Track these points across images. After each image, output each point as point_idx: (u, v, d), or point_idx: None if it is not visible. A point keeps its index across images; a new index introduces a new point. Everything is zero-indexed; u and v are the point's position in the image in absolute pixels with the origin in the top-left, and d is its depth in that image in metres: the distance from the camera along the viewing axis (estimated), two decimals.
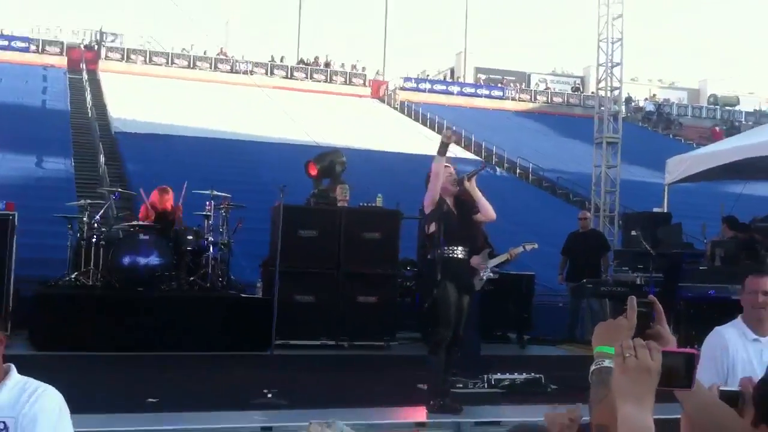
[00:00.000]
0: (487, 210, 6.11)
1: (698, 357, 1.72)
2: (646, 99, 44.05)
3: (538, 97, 42.24)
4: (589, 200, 16.60)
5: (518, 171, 27.56)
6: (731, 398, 2.07)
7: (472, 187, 6.10)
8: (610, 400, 1.79)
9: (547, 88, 43.57)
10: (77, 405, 5.40)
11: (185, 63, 36.79)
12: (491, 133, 30.34)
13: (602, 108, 15.97)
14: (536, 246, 7.88)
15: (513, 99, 41.15)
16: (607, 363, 1.82)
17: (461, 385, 7.35)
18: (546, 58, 45.11)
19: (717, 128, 39.92)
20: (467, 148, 29.89)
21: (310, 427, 2.30)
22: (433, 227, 6.05)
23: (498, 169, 26.92)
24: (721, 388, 2.12)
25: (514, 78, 44.67)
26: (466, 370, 7.49)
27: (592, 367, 1.86)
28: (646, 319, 1.84)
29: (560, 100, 42.44)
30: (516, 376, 7.23)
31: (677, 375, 1.71)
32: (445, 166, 6.09)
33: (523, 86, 43.42)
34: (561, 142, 31.54)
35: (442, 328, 5.99)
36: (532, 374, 7.35)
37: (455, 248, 6.02)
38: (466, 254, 6.15)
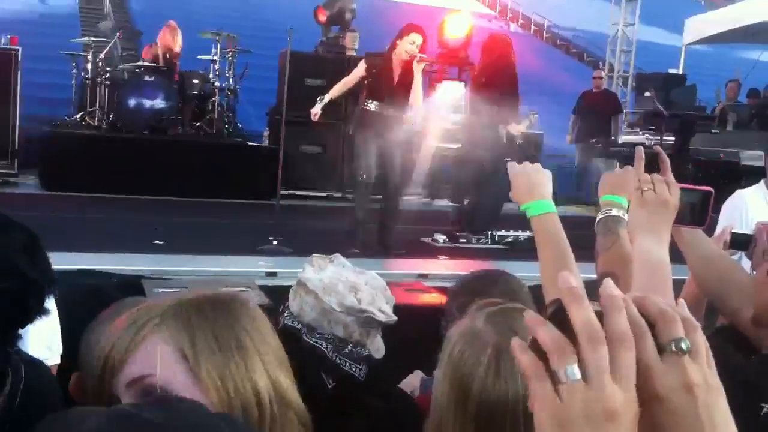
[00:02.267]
0: (416, 97, 6.63)
1: (714, 195, 1.73)
2: None
3: None
4: (604, 60, 16.24)
5: (533, 27, 26.86)
6: (743, 242, 2.06)
7: (418, 69, 6.55)
8: (617, 247, 1.78)
9: None
10: (85, 244, 5.48)
11: None
12: None
13: None
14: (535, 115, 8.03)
15: None
16: (614, 212, 1.82)
17: (464, 240, 7.43)
18: None
19: None
20: (481, 1, 29.01)
21: (312, 260, 2.30)
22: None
23: (512, 24, 26.23)
24: (734, 230, 2.11)
25: None
26: (472, 225, 7.56)
27: (599, 216, 1.85)
28: (651, 169, 1.78)
29: None
30: (520, 233, 7.26)
31: (692, 211, 1.72)
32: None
33: None
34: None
35: (362, 169, 6.65)
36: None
37: (377, 103, 6.60)
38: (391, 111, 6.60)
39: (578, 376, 0.69)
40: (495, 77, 7.51)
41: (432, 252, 7.01)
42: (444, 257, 6.76)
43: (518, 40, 21.38)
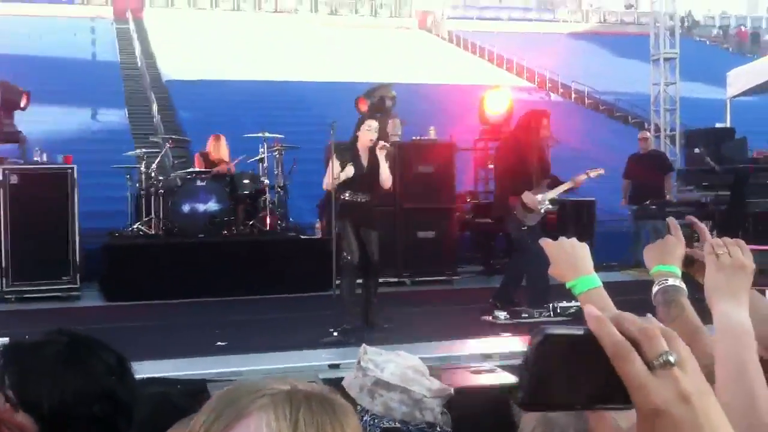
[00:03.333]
0: (384, 180, 7.16)
1: None
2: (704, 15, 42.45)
3: (590, 17, 41.10)
4: (649, 121, 16.17)
5: (573, 95, 26.98)
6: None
7: (380, 154, 7.08)
8: (684, 318, 1.74)
9: (599, 7, 42.33)
10: (150, 351, 5.52)
11: (229, 5, 36.66)
12: (543, 57, 29.66)
13: (658, 24, 15.40)
14: (602, 172, 7.81)
15: (565, 21, 40.12)
16: (671, 281, 1.79)
17: (527, 315, 7.31)
18: None
19: None
20: (519, 74, 29.33)
21: (363, 355, 2.30)
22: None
23: (552, 94, 26.39)
24: None
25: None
26: (531, 299, 7.45)
27: (655, 288, 1.82)
28: (691, 238, 1.85)
29: (614, 19, 41.23)
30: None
31: (762, 273, 1.71)
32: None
33: (574, 7, 42.25)
34: (616, 63, 30.73)
35: (346, 253, 7.16)
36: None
37: (351, 193, 7.16)
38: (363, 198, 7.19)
39: (673, 359, 0.76)
40: (501, 153, 7.76)
41: (494, 330, 6.91)
42: (507, 335, 6.65)
43: (561, 108, 21.51)
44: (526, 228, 7.40)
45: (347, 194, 7.23)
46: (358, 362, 2.39)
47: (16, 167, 9.34)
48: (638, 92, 20.96)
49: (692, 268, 1.89)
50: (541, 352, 0.78)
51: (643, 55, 16.94)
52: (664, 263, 1.82)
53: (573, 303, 7.12)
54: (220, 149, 10.73)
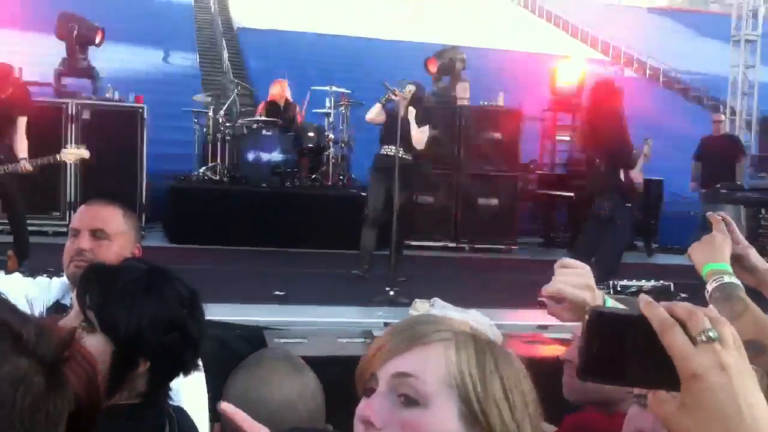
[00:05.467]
0: (414, 138, 7.30)
1: None
2: None
3: None
4: (725, 103, 15.71)
5: (648, 72, 26.32)
6: None
7: (409, 112, 7.27)
8: (749, 313, 1.70)
9: None
10: (209, 294, 5.60)
11: None
12: (620, 30, 28.97)
13: (741, 4, 14.87)
14: (651, 140, 8.23)
15: None
16: (726, 279, 1.76)
17: None
18: None
19: None
20: (593, 46, 28.71)
21: (416, 305, 2.30)
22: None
23: (627, 69, 25.80)
24: None
25: None
26: (598, 275, 7.35)
27: (711, 286, 1.78)
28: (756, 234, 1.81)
29: None
30: (643, 282, 7.00)
31: None
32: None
33: None
34: (695, 42, 29.87)
35: (368, 206, 7.53)
36: (661, 282, 7.12)
37: (386, 147, 7.38)
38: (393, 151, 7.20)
39: (714, 335, 0.83)
40: (602, 124, 7.39)
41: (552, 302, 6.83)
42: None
43: (634, 85, 21.05)
44: (630, 205, 7.38)
45: (383, 148, 7.43)
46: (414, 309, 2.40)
47: (88, 102, 9.51)
48: (716, 73, 20.38)
49: (736, 267, 1.84)
50: (595, 330, 0.86)
51: (724, 36, 16.42)
52: (714, 261, 1.78)
53: (633, 282, 7.00)
54: (283, 91, 10.71)
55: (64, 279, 2.50)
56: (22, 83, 7.56)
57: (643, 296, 0.87)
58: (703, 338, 0.83)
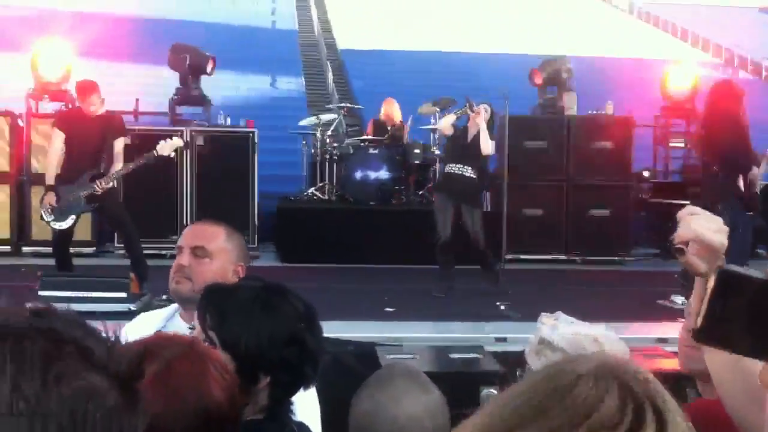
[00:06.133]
0: (483, 145, 7.15)
1: None
2: None
3: None
4: None
5: (764, 73, 25.26)
6: None
7: (480, 120, 7.17)
8: None
9: None
10: (320, 312, 5.68)
11: None
12: (733, 32, 27.95)
13: None
14: None
15: None
16: None
17: None
18: None
19: None
20: (705, 49, 27.78)
21: (543, 319, 2.26)
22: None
23: (741, 72, 24.84)
24: None
25: None
26: None
27: None
28: None
29: None
30: None
31: None
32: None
33: None
34: None
35: (438, 230, 7.29)
36: None
37: (453, 165, 7.29)
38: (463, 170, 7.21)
39: None
40: (719, 129, 7.06)
41: (670, 315, 6.61)
42: (683, 320, 6.35)
43: (750, 87, 20.24)
44: (752, 214, 7.07)
45: (449, 166, 7.31)
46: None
47: (201, 129, 9.83)
48: None
49: None
50: (722, 290, 0.83)
51: None
52: None
53: None
54: (393, 112, 10.83)
55: (171, 308, 2.57)
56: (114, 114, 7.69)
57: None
58: None
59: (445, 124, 7.58)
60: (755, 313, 0.80)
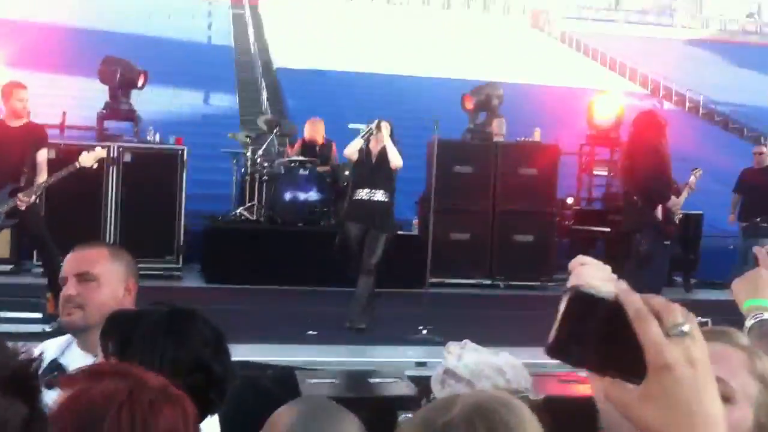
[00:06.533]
0: (393, 158, 7.00)
1: None
2: None
3: (710, 24, 39.67)
4: (766, 135, 15.51)
5: (687, 104, 26.13)
6: None
7: (384, 136, 7.03)
8: None
9: (721, 14, 40.78)
10: (243, 334, 5.66)
11: None
12: (658, 63, 28.84)
13: None
14: (700, 171, 8.32)
15: (683, 27, 38.84)
16: (766, 315, 1.74)
17: None
18: None
19: None
20: (632, 79, 28.58)
21: (449, 347, 2.32)
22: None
23: (666, 102, 25.62)
24: None
25: (682, 4, 42.03)
26: None
27: (750, 323, 1.76)
28: None
29: (735, 27, 39.66)
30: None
31: None
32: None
33: (693, 12, 40.84)
34: (735, 73, 29.58)
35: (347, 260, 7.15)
36: (699, 318, 6.99)
37: (361, 191, 7.08)
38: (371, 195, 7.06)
39: (687, 330, 0.87)
40: (640, 158, 7.27)
41: None
42: None
43: (673, 117, 20.89)
44: (669, 243, 7.24)
45: (357, 192, 7.12)
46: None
47: (130, 145, 9.70)
48: (757, 105, 20.17)
49: None
50: (571, 308, 0.88)
51: (764, 67, 16.26)
52: (756, 297, 1.77)
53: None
54: (317, 132, 10.80)
55: (65, 337, 2.53)
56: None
57: (620, 283, 0.91)
58: (676, 332, 0.86)
59: (352, 150, 7.34)
60: (603, 332, 0.87)
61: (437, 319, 7.06)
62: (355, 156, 7.27)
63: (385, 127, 7.12)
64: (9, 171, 6.65)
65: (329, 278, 9.08)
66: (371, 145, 7.12)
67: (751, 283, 1.80)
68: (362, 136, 7.29)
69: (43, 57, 18.18)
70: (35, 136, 6.83)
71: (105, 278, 2.41)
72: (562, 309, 0.88)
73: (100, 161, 7.15)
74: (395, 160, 7.02)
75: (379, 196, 6.99)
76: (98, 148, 6.94)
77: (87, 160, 6.71)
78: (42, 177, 6.69)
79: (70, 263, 2.47)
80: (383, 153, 7.04)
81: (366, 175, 7.06)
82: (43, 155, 6.78)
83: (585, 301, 0.88)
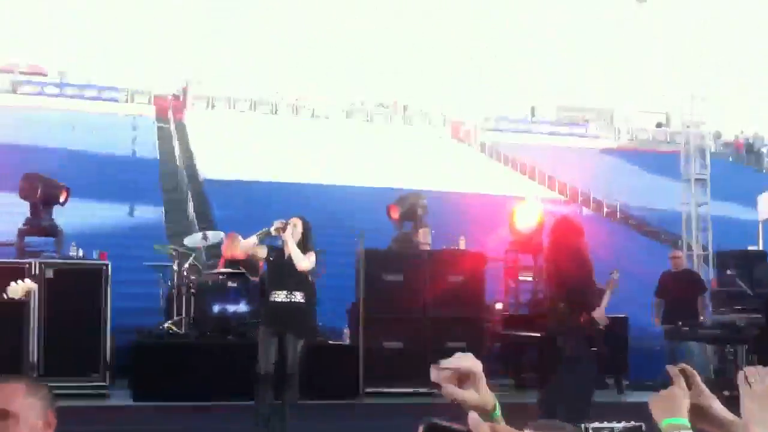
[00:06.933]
0: (298, 261, 6.77)
1: None
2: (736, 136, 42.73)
3: (621, 135, 41.60)
4: (681, 238, 16.12)
5: (605, 210, 27.06)
6: None
7: (287, 238, 6.81)
8: None
9: (631, 125, 42.85)
10: None
11: (267, 109, 37.62)
12: (575, 171, 29.95)
13: (688, 144, 15.50)
14: (617, 271, 8.28)
15: (596, 137, 40.62)
16: None
17: None
18: (629, 92, 44.31)
19: None
20: (551, 187, 29.55)
21: None
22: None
23: (584, 208, 26.49)
24: None
25: (595, 115, 44.09)
26: (569, 417, 7.28)
27: None
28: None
29: (646, 136, 41.68)
30: (614, 424, 6.92)
31: None
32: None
33: (605, 123, 42.82)
34: (648, 179, 30.90)
35: (259, 364, 6.79)
36: (632, 423, 7.05)
37: (276, 293, 6.82)
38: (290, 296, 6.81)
39: None
40: (562, 264, 7.44)
41: None
42: None
43: (592, 223, 21.57)
44: (595, 348, 7.31)
45: (273, 294, 6.80)
46: None
47: (51, 261, 9.49)
48: (670, 209, 20.98)
49: (699, 418, 1.88)
50: None
51: (675, 173, 17.05)
52: (673, 416, 1.82)
53: (605, 424, 6.95)
54: (235, 248, 10.75)
55: None
56: None
57: (472, 414, 0.96)
58: None
59: (244, 246, 7.15)
60: None
61: (374, 430, 6.96)
62: (261, 253, 7.01)
63: (292, 225, 6.86)
64: None
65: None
66: (284, 245, 6.86)
67: (665, 402, 1.84)
68: (257, 235, 6.96)
69: None
70: None
71: (23, 415, 2.35)
72: None
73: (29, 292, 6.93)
74: (299, 261, 6.72)
75: (298, 297, 6.73)
76: (27, 280, 6.73)
77: (15, 291, 6.53)
78: None
79: None
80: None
81: (280, 276, 6.79)
82: None
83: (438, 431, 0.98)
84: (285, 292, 6.74)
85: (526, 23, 45.44)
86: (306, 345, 7.08)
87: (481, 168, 32.33)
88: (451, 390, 1.51)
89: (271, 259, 6.91)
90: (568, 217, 8.13)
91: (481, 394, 1.52)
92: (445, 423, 0.95)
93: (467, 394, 1.51)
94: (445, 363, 1.59)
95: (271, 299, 6.79)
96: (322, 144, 30.98)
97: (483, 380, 1.52)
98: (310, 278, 7.11)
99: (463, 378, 1.54)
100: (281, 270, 6.76)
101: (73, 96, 35.20)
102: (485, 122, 39.95)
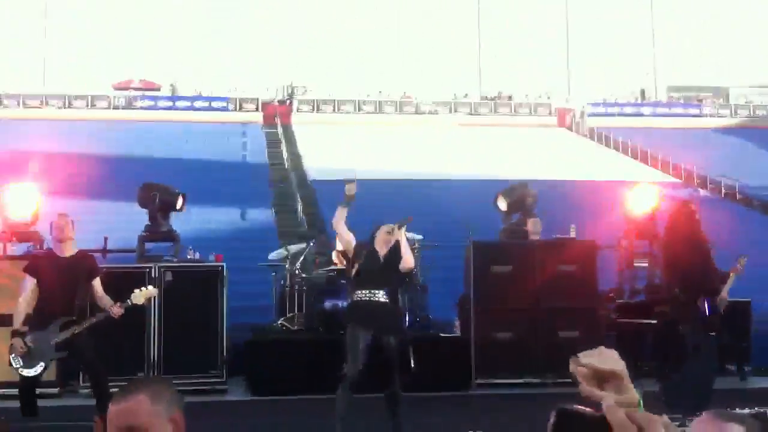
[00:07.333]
0: (405, 260, 6.58)
1: None
2: None
3: (738, 112, 39.86)
4: None
5: (723, 191, 25.99)
6: None
7: (401, 235, 6.65)
8: None
9: (749, 102, 41.01)
10: None
11: (372, 108, 37.96)
12: (690, 152, 28.90)
13: None
14: (746, 258, 8.32)
15: (711, 116, 39.08)
16: None
17: (678, 424, 6.91)
18: (746, 69, 42.40)
19: None
20: (665, 170, 28.62)
21: None
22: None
23: (701, 190, 25.53)
24: None
25: (711, 94, 42.40)
26: (690, 404, 7.07)
27: None
28: None
29: (764, 112, 39.81)
30: (738, 411, 6.67)
31: None
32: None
33: (721, 102, 41.12)
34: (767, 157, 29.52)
35: (348, 364, 6.47)
36: (755, 409, 6.78)
37: (366, 292, 6.51)
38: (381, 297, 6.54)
39: None
40: (680, 251, 7.21)
41: None
42: None
43: (710, 204, 20.76)
44: (714, 334, 7.12)
45: (358, 293, 6.56)
46: None
47: (170, 265, 9.85)
48: None
49: None
50: (558, 425, 0.99)
51: None
52: None
53: (727, 410, 6.69)
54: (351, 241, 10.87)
55: None
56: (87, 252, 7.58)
57: (607, 400, 0.96)
58: None
59: (336, 219, 7.06)
60: None
61: (486, 421, 6.91)
62: (346, 237, 6.97)
63: (403, 224, 6.83)
64: (60, 303, 6.69)
65: (374, 385, 8.97)
66: (377, 245, 6.73)
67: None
68: (341, 204, 7.10)
69: (83, 185, 18.75)
70: (85, 266, 6.92)
71: (151, 423, 2.40)
72: (550, 426, 0.99)
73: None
74: (409, 261, 6.65)
75: (382, 296, 6.52)
76: (150, 287, 7.02)
77: (138, 298, 6.80)
78: (105, 301, 6.77)
79: (115, 417, 2.45)
80: (391, 254, 6.67)
81: (369, 275, 6.58)
82: (98, 285, 6.89)
83: (574, 420, 0.99)
84: (374, 290, 6.54)
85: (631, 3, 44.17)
86: (412, 339, 6.98)
87: (590, 154, 31.61)
88: (589, 391, 1.41)
89: (363, 258, 6.71)
90: (686, 203, 7.87)
91: (623, 395, 1.41)
92: (577, 409, 0.95)
93: (607, 397, 1.39)
94: (586, 357, 1.48)
95: (359, 298, 6.57)
96: (428, 139, 31.00)
97: (626, 380, 1.40)
98: (403, 278, 6.99)
99: (604, 377, 1.41)
100: (377, 270, 6.57)
101: (185, 108, 36.51)
102: (593, 108, 39.07)
